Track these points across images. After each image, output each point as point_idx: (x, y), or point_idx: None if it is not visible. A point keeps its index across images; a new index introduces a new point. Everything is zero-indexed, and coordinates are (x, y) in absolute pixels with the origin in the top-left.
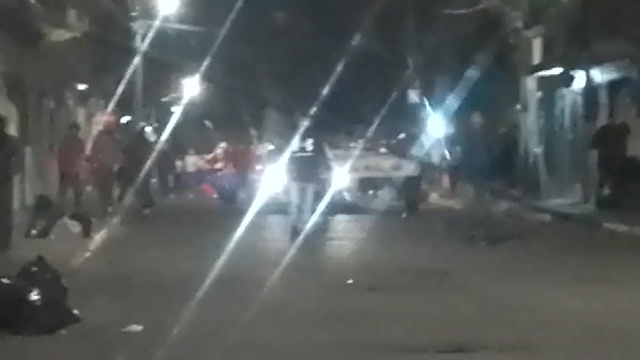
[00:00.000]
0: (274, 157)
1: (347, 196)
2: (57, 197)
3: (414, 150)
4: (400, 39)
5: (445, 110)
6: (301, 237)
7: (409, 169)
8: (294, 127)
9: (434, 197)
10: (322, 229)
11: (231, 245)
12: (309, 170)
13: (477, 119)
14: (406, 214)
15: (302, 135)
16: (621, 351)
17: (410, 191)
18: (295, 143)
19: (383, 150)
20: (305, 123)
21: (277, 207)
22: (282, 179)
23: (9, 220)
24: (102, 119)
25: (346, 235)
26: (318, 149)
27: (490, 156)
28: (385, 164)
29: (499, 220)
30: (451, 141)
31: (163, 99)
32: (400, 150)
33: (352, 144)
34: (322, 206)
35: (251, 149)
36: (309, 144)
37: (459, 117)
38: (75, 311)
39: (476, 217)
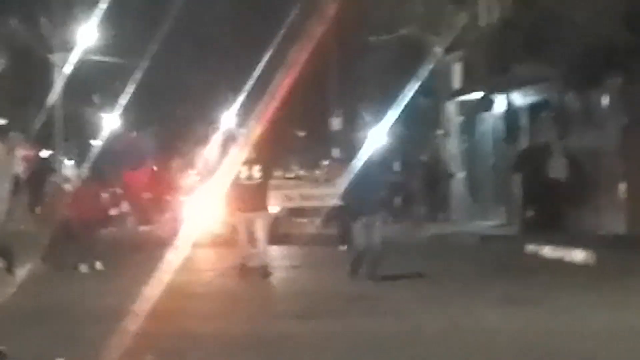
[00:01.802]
0: (201, 184)
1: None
2: None
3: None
4: (321, 66)
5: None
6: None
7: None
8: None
9: None
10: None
11: (161, 276)
12: (256, 199)
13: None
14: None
15: (246, 162)
16: None
17: (342, 221)
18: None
19: (317, 176)
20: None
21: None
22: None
23: None
24: (21, 153)
25: (279, 264)
26: (266, 176)
27: (382, 184)
28: (317, 192)
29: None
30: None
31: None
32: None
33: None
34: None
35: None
36: (256, 170)
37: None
38: (1, 347)
39: (358, 250)
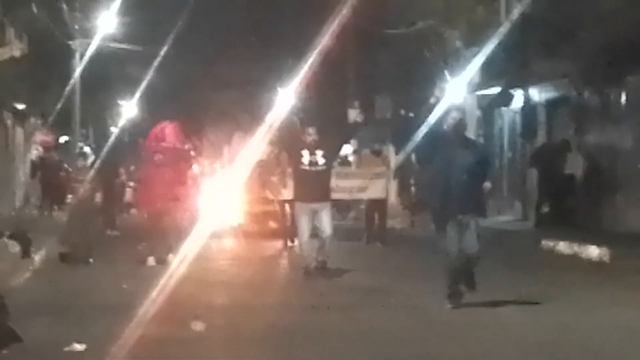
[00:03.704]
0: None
1: None
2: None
3: None
4: (339, 58)
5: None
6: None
7: (376, 190)
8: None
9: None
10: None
11: (175, 266)
12: (321, 188)
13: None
14: (367, 240)
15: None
16: None
17: (373, 215)
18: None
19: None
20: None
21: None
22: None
23: None
24: (39, 138)
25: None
26: (331, 162)
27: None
28: (349, 184)
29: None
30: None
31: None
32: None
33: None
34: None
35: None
36: (320, 156)
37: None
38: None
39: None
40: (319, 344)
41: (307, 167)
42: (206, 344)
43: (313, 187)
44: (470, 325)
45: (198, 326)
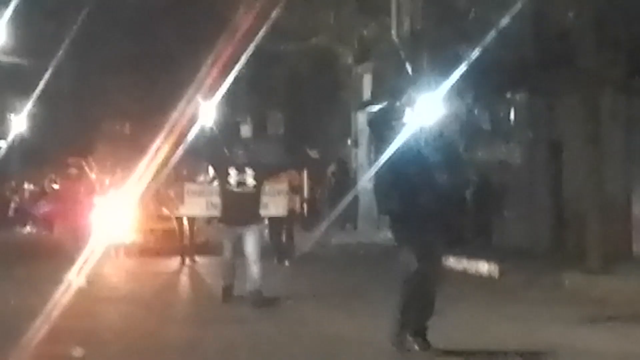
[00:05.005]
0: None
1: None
2: None
3: None
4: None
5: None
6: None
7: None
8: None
9: None
10: None
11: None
12: (248, 210)
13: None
14: (278, 259)
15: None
16: None
17: (278, 233)
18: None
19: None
20: None
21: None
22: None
23: None
24: None
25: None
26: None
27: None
28: None
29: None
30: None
31: None
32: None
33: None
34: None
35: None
36: (249, 175)
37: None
38: None
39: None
40: (215, 357)
41: (234, 188)
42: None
43: (239, 209)
44: (357, 342)
45: (78, 352)
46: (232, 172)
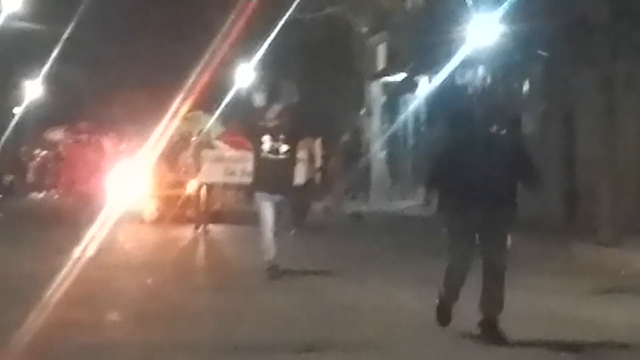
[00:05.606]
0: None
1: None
2: None
3: None
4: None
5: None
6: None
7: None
8: None
9: None
10: None
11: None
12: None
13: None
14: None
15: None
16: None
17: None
18: None
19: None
20: None
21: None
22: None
23: None
24: None
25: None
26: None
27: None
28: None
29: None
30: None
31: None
32: None
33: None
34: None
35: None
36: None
37: None
38: None
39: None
40: (223, 325)
41: (270, 155)
42: (107, 326)
43: (275, 176)
44: (372, 310)
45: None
46: (266, 138)
